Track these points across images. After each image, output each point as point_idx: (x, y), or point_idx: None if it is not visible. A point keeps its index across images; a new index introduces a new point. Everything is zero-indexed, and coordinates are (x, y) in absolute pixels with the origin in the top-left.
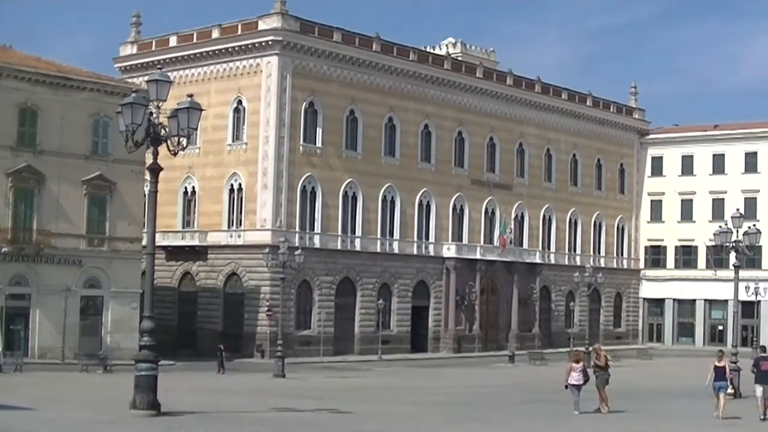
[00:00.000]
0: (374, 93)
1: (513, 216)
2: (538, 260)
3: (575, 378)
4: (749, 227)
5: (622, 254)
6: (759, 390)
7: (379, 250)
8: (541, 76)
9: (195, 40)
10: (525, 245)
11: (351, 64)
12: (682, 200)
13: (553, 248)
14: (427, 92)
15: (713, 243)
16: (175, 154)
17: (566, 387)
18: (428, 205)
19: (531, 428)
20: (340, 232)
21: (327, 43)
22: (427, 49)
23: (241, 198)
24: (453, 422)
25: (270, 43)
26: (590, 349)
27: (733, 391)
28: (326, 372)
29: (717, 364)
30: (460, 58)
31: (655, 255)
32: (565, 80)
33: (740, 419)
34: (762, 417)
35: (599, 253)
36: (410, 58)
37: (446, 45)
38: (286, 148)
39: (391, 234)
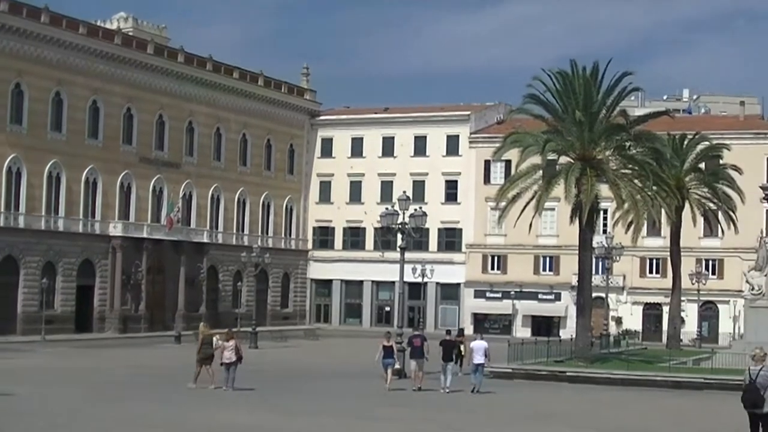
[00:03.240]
0: (41, 66)
1: (181, 195)
2: (205, 240)
3: (227, 356)
4: (415, 210)
5: (290, 235)
6: (413, 364)
7: (43, 227)
8: (215, 54)
9: None
10: (193, 225)
11: (18, 35)
12: (351, 182)
13: (221, 228)
14: (96, 67)
15: (380, 225)
16: None
17: (221, 365)
18: (95, 183)
19: (189, 405)
20: (2, 209)
21: None
22: (98, 23)
23: None
24: (110, 402)
25: None
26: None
27: (399, 368)
28: None
29: (385, 343)
30: (131, 34)
31: (324, 236)
32: (240, 59)
33: (404, 390)
34: (416, 388)
35: (267, 233)
36: (80, 31)
37: (117, 20)
38: None
39: (57, 211)
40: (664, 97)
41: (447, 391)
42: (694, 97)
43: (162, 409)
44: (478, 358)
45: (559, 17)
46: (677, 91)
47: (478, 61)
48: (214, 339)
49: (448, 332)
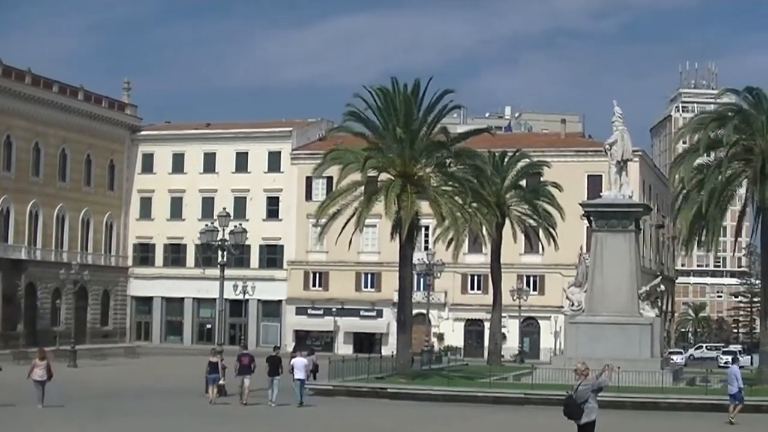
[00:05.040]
0: None
1: None
2: (23, 256)
3: (38, 374)
4: (236, 226)
5: (110, 251)
6: (241, 380)
7: None
8: (35, 68)
9: None
10: (10, 241)
11: None
12: (172, 198)
13: (39, 244)
14: None
15: (201, 241)
16: None
17: (29, 379)
18: None
19: None
20: None
21: None
22: None
23: None
24: None
25: None
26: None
27: (223, 383)
28: None
29: (211, 359)
30: None
31: (144, 253)
32: (63, 74)
33: (229, 404)
34: (243, 402)
35: (87, 250)
36: None
37: None
38: None
39: None
40: (487, 115)
41: (273, 404)
42: (516, 114)
43: None
44: (300, 374)
45: (384, 35)
46: (499, 109)
47: (301, 77)
48: None
49: (275, 349)
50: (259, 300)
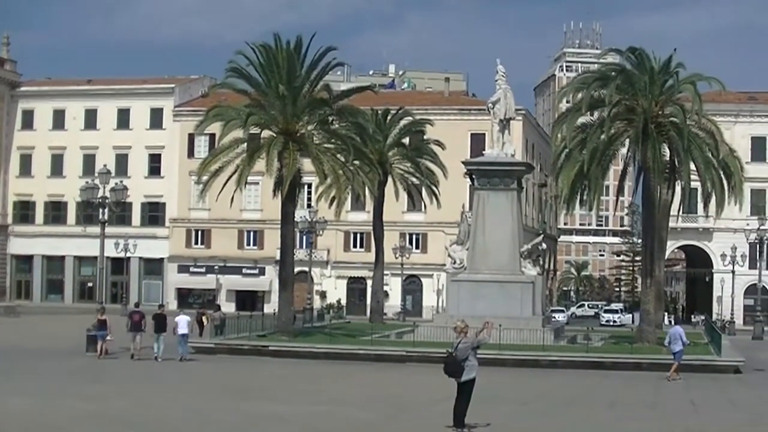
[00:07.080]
0: None
1: None
2: None
3: None
4: (117, 183)
5: None
6: (132, 337)
7: None
8: None
9: None
10: None
11: None
12: (52, 155)
13: None
14: None
15: (81, 199)
16: None
17: None
18: None
19: None
20: None
21: None
22: None
23: None
24: None
25: None
26: None
27: (112, 339)
28: None
29: (99, 318)
30: None
31: (24, 210)
32: None
33: (117, 359)
34: (134, 358)
35: None
36: None
37: None
38: None
39: None
40: (371, 72)
41: (159, 359)
42: (400, 72)
43: None
44: (182, 330)
45: None
46: (383, 67)
47: (184, 33)
48: None
49: (161, 307)
50: (140, 258)
